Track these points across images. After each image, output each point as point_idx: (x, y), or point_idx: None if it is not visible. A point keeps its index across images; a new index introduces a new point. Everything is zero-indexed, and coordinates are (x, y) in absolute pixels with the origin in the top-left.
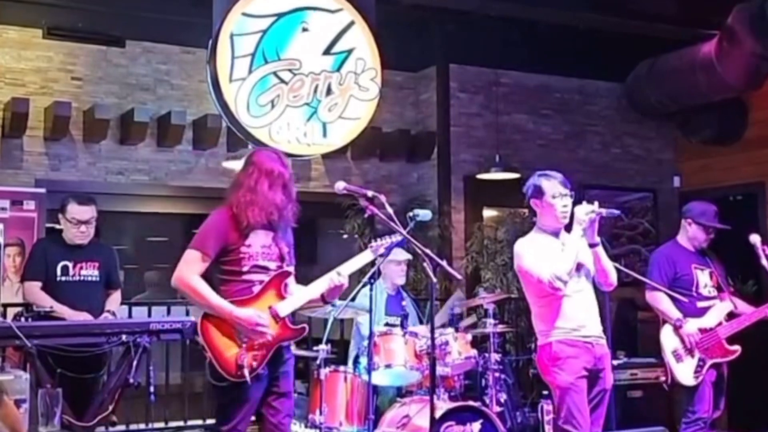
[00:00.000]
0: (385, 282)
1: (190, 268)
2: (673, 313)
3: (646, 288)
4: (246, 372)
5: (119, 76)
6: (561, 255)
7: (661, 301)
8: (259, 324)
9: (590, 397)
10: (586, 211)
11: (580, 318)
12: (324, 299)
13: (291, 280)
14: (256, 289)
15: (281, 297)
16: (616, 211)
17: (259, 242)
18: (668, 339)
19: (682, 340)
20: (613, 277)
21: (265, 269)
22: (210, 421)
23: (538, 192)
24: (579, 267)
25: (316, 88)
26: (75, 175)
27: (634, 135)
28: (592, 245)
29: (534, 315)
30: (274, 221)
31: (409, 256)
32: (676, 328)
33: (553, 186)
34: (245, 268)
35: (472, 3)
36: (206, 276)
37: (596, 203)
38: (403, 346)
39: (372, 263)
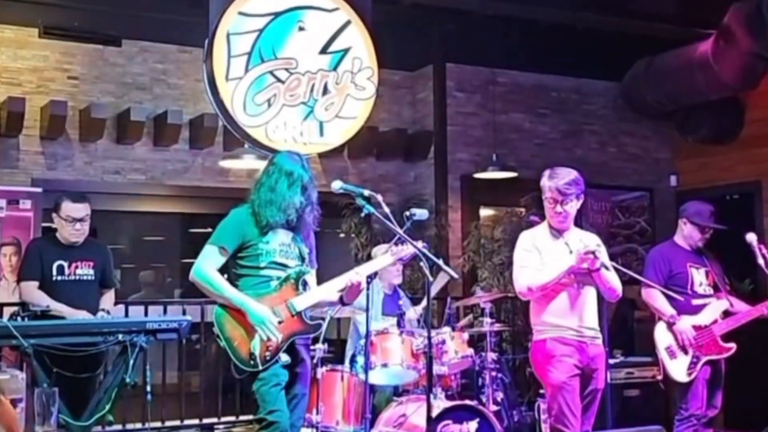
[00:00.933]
0: (381, 282)
1: (208, 262)
2: (667, 309)
3: (641, 286)
4: (258, 361)
5: (116, 76)
6: (545, 267)
7: (655, 298)
8: (270, 322)
9: (582, 396)
10: (586, 252)
11: (576, 316)
12: (342, 301)
13: (310, 278)
14: (274, 284)
15: (298, 292)
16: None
17: (278, 240)
18: (662, 336)
19: (676, 337)
20: (618, 292)
21: (284, 266)
22: (207, 421)
23: (542, 190)
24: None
25: (313, 88)
26: (71, 174)
27: (631, 134)
28: (591, 271)
29: (531, 308)
30: (293, 221)
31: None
32: (670, 325)
33: (549, 189)
34: (263, 264)
35: (470, 2)
36: (223, 271)
37: (603, 249)
38: (399, 345)
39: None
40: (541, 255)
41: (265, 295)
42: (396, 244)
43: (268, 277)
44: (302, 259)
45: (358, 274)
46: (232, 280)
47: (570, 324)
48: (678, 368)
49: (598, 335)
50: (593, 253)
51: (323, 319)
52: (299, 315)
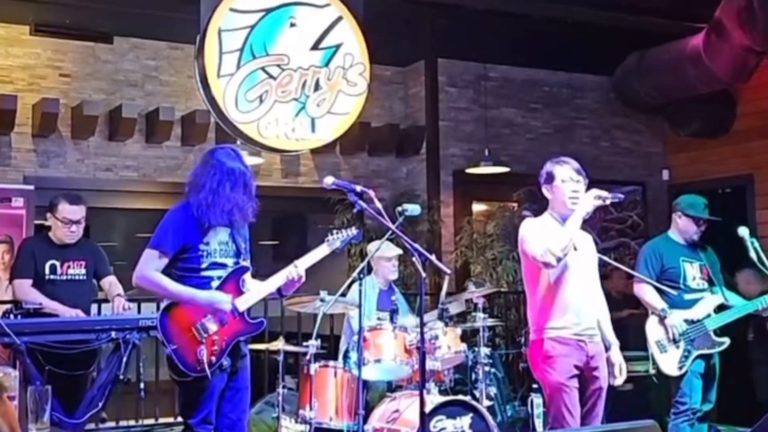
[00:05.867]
0: (377, 277)
1: (149, 266)
2: (658, 303)
3: (634, 280)
4: (206, 366)
5: (107, 73)
6: (557, 232)
7: (646, 292)
8: (224, 301)
9: (586, 396)
10: (594, 195)
11: (574, 313)
12: (280, 293)
13: (247, 276)
14: (215, 284)
15: (239, 292)
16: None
17: (217, 239)
18: (652, 329)
19: (666, 331)
20: None
21: (223, 266)
22: None
23: (549, 177)
24: (581, 257)
25: (305, 84)
26: (63, 171)
27: (622, 128)
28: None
29: (529, 306)
30: (236, 220)
31: (399, 252)
32: (661, 319)
33: (564, 171)
34: (204, 265)
35: None
36: (163, 273)
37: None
38: (392, 340)
39: (362, 258)
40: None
41: None
42: (331, 233)
43: (208, 278)
44: (239, 254)
45: (297, 267)
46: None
47: (568, 322)
48: (668, 362)
49: (597, 332)
50: (599, 197)
51: (316, 315)
52: (241, 315)
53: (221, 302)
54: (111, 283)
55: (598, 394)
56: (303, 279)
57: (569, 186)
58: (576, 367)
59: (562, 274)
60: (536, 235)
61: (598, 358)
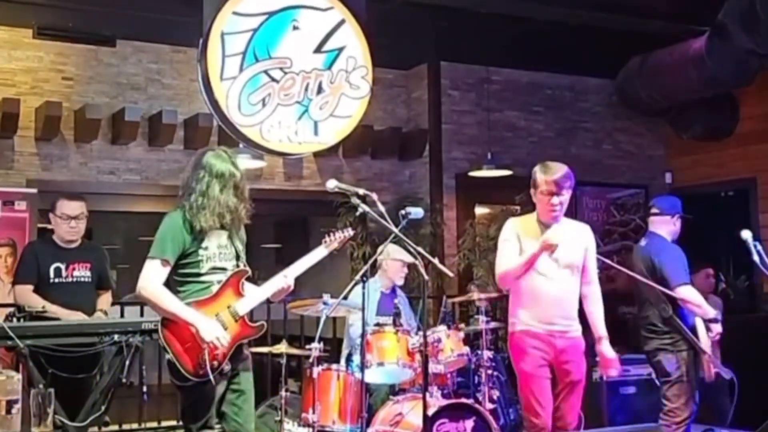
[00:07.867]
0: (381, 280)
1: (154, 278)
2: (710, 309)
3: (674, 286)
4: (208, 370)
5: (110, 76)
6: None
7: (696, 295)
8: (224, 337)
9: (559, 389)
10: (552, 242)
11: (544, 308)
12: (268, 300)
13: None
14: (215, 288)
15: (239, 295)
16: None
17: (215, 243)
18: (704, 333)
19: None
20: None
21: (223, 269)
22: None
23: (534, 183)
24: (560, 253)
25: (307, 87)
26: (66, 175)
27: (625, 131)
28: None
29: (509, 299)
30: (227, 223)
31: (414, 261)
32: (714, 322)
33: (546, 183)
34: (204, 270)
35: (463, 0)
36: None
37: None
38: (395, 343)
39: (365, 261)
40: (522, 243)
41: (207, 300)
42: (328, 234)
43: (209, 282)
44: (238, 257)
45: (286, 277)
46: (173, 288)
47: (539, 316)
48: (707, 367)
49: (570, 328)
50: (552, 246)
51: (318, 318)
52: (242, 319)
53: (222, 337)
54: (102, 298)
55: (571, 386)
56: (291, 288)
57: (546, 199)
58: (544, 359)
59: (535, 270)
60: (501, 252)
61: (571, 351)
